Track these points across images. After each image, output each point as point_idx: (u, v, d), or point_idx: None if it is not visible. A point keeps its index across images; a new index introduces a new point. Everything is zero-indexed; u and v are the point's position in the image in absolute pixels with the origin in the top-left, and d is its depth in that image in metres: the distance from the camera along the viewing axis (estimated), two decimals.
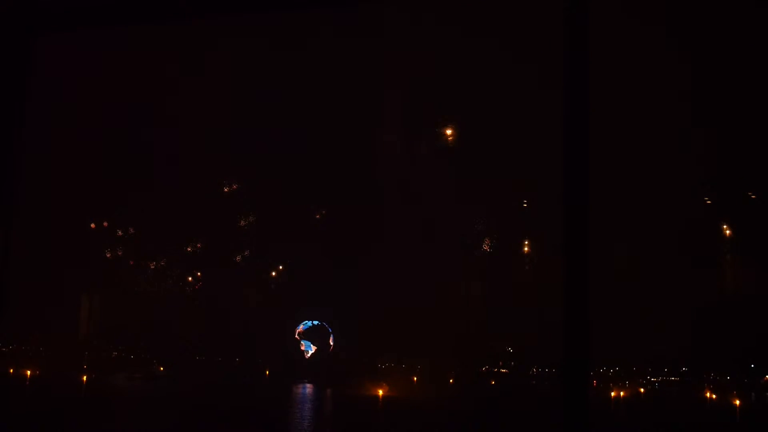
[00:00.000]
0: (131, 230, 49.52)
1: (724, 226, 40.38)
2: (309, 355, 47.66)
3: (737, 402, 35.08)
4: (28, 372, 42.32)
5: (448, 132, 43.77)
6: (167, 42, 38.39)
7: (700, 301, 38.33)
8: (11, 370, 44.10)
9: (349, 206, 45.57)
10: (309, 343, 47.62)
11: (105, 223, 49.27)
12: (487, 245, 44.42)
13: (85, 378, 42.30)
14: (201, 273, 49.33)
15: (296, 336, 47.50)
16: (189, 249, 49.34)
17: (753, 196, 38.88)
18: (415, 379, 45.35)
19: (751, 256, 38.76)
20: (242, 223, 48.79)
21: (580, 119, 4.59)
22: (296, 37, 39.63)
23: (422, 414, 31.13)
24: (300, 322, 47.98)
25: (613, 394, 39.37)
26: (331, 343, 47.71)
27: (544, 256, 41.84)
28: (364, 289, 43.77)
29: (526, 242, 44.13)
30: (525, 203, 43.41)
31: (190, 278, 49.38)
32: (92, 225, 49.12)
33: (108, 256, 49.40)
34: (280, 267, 48.58)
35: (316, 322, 47.81)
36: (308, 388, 43.37)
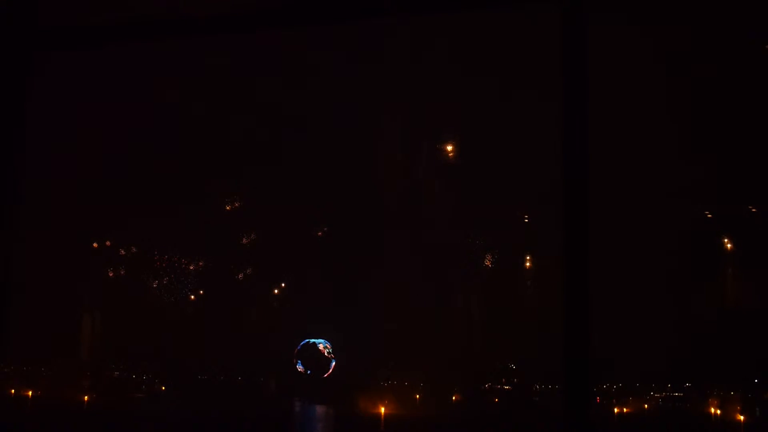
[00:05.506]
0: (133, 249, 49.51)
1: (726, 240, 40.31)
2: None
3: (742, 417, 34.86)
4: (30, 392, 42.17)
5: (449, 148, 43.82)
6: (169, 56, 38.47)
7: (702, 315, 38.17)
8: (12, 391, 43.94)
9: (349, 221, 45.56)
10: (334, 360, 47.29)
11: (108, 242, 49.26)
12: (489, 260, 44.36)
13: (86, 398, 42.13)
14: (203, 291, 49.27)
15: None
16: (192, 267, 49.33)
17: (753, 210, 38.82)
18: (418, 396, 45.16)
19: (753, 269, 38.65)
20: (244, 240, 48.79)
21: (580, 128, 4.60)
22: (296, 55, 39.77)
23: None
24: (312, 341, 47.59)
25: (616, 410, 39.16)
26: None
27: (546, 270, 41.76)
28: (364, 304, 43.67)
29: (528, 257, 44.07)
30: (526, 218, 43.38)
31: (192, 296, 49.33)
32: (95, 244, 49.11)
33: (111, 275, 49.37)
34: (283, 284, 48.53)
35: (323, 341, 47.59)
36: (313, 406, 43.15)
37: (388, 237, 43.45)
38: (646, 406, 41.79)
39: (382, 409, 35.90)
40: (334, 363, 47.40)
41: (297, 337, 47.90)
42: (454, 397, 44.90)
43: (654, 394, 42.83)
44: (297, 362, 47.45)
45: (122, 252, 49.51)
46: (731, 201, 39.04)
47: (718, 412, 39.29)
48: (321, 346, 47.23)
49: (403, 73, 39.69)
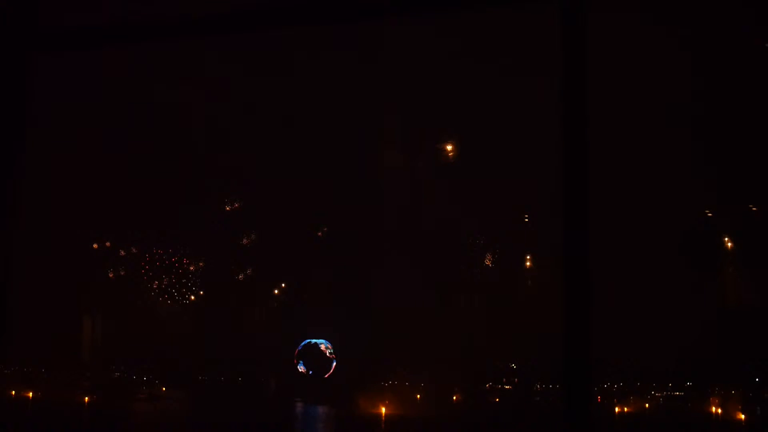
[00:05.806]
0: (133, 249, 49.51)
1: (726, 239, 40.30)
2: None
3: (743, 416, 34.86)
4: (30, 394, 42.15)
5: (449, 147, 43.82)
6: (169, 56, 38.47)
7: (702, 313, 38.15)
8: (12, 393, 43.91)
9: (349, 222, 45.54)
10: (335, 360, 47.25)
11: (108, 243, 49.25)
12: (489, 260, 44.36)
13: (87, 399, 42.12)
14: (203, 291, 49.26)
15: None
16: (192, 268, 49.33)
17: (754, 208, 38.82)
18: (418, 396, 45.17)
19: (753, 268, 38.65)
20: (245, 241, 48.79)
21: (580, 128, 4.59)
22: (296, 56, 39.77)
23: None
24: (313, 341, 47.53)
25: (617, 409, 39.17)
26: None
27: (547, 269, 41.74)
28: (364, 304, 43.68)
29: (528, 257, 44.05)
30: (527, 218, 43.37)
31: (192, 297, 49.33)
32: (95, 245, 49.10)
33: (111, 275, 49.36)
34: (283, 285, 48.51)
35: (324, 341, 47.54)
36: (314, 407, 43.14)
37: (389, 237, 43.45)
38: (647, 405, 41.79)
39: (383, 409, 35.89)
40: (335, 363, 47.38)
41: (297, 338, 47.89)
42: (454, 397, 44.89)
43: (655, 393, 42.84)
44: (298, 363, 47.45)
45: (122, 252, 49.51)
46: (731, 201, 39.04)
47: (719, 411, 39.30)
48: (322, 347, 47.22)
49: (403, 73, 39.68)
